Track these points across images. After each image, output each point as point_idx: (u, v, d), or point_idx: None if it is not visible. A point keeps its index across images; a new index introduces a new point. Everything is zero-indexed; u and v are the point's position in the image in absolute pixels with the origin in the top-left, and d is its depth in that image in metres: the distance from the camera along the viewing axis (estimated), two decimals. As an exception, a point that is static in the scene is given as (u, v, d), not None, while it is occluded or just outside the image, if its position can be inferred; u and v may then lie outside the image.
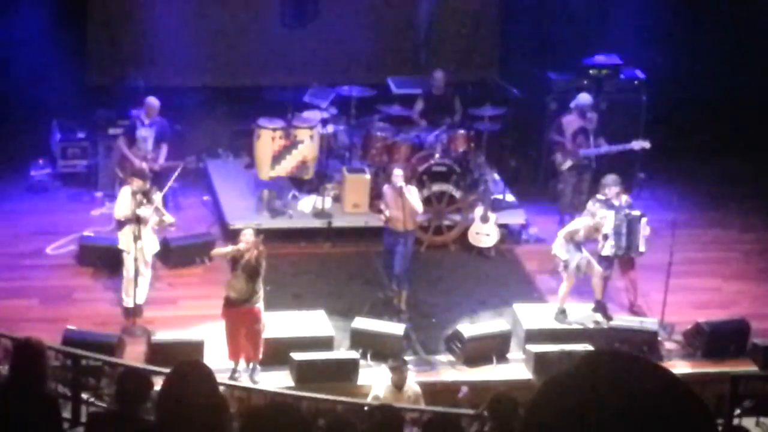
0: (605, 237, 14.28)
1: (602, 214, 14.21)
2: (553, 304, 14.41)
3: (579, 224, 14.26)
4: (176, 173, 14.75)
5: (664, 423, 2.84)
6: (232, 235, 15.31)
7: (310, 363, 13.14)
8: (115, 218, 13.93)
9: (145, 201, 13.61)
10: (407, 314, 14.24)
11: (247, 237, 12.86)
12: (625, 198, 14.54)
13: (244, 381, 12.81)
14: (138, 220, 13.54)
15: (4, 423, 7.23)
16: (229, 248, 13.14)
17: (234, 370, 12.99)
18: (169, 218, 13.97)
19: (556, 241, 14.26)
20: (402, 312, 14.19)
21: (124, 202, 13.72)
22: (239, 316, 12.91)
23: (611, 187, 14.40)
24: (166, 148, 15.64)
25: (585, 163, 16.18)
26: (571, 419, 2.82)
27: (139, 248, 13.63)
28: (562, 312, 14.20)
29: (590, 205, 14.46)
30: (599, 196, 14.47)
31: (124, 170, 15.14)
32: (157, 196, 13.84)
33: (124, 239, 13.75)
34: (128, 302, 13.89)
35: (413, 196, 14.28)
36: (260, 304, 12.96)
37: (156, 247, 14.05)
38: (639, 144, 15.98)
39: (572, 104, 16.29)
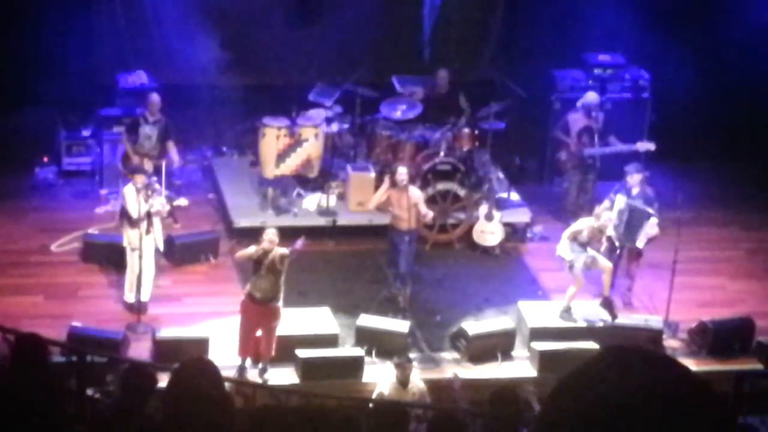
0: (609, 239, 14.28)
1: (606, 216, 14.19)
2: (558, 301, 14.41)
3: (582, 225, 14.23)
4: (163, 169, 14.74)
5: (682, 417, 2.83)
6: (239, 233, 15.37)
7: (315, 360, 13.16)
8: (133, 218, 13.67)
9: (150, 192, 13.61)
10: (411, 312, 14.23)
11: (270, 236, 12.84)
12: (649, 190, 14.59)
13: (251, 378, 12.81)
14: (149, 216, 13.54)
15: (9, 417, 7.22)
16: (252, 249, 12.97)
17: (242, 367, 13.00)
18: (183, 201, 14.00)
19: (561, 242, 14.24)
20: (406, 310, 14.18)
21: (132, 201, 13.69)
22: (260, 314, 12.92)
23: (632, 174, 14.51)
24: (174, 145, 15.63)
25: (589, 162, 16.19)
26: (589, 414, 2.82)
27: (145, 245, 13.63)
28: (567, 310, 14.19)
29: (598, 208, 14.47)
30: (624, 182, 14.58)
31: (126, 167, 15.16)
32: (159, 189, 13.84)
33: (129, 236, 13.74)
34: (130, 298, 13.92)
35: (419, 199, 14.27)
36: (281, 303, 12.98)
37: (161, 244, 14.05)
38: (644, 146, 15.97)
39: (579, 103, 16.30)
